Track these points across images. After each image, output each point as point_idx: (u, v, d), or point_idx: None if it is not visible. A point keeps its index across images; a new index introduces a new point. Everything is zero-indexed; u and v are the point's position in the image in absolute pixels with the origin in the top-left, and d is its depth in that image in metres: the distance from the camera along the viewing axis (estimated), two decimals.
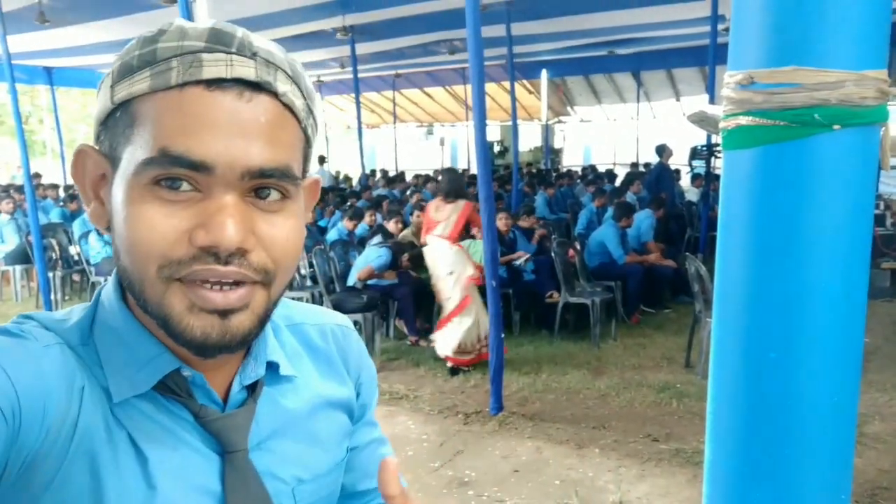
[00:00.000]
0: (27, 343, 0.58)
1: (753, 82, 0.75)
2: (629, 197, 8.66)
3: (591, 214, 8.39)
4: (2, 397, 0.52)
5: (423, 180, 13.49)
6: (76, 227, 7.87)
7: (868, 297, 0.78)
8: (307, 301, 5.75)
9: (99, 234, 7.24)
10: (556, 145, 19.68)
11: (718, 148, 6.48)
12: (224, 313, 0.57)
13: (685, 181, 12.36)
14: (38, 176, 12.83)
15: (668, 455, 3.73)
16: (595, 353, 5.56)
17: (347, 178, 16.65)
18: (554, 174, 14.10)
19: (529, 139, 20.00)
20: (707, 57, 8.43)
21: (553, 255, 5.95)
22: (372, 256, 5.87)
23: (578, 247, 6.49)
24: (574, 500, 3.30)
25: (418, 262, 6.17)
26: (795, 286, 0.76)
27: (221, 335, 0.58)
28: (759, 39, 0.75)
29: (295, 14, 9.04)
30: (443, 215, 5.18)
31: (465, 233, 5.26)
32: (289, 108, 0.59)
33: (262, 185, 0.58)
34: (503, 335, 4.38)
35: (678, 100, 17.41)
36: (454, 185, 5.31)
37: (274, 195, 0.59)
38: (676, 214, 9.33)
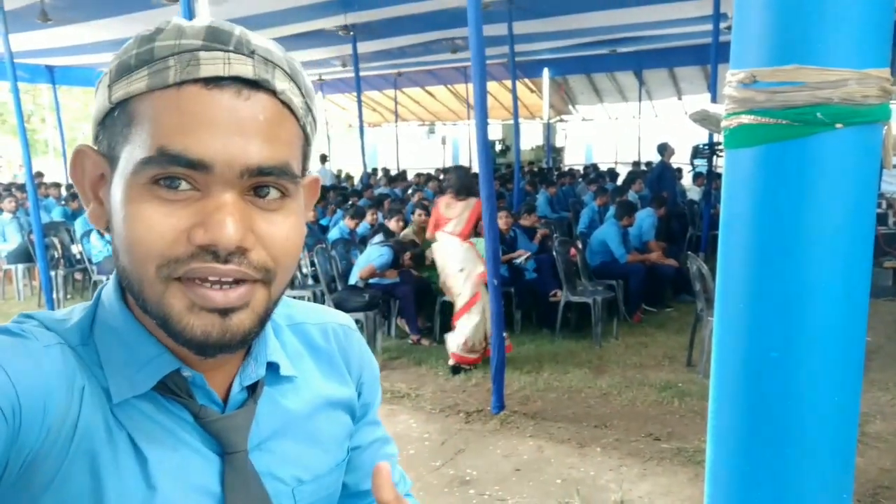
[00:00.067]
0: (28, 343, 0.58)
1: (756, 81, 0.74)
2: (631, 196, 8.66)
3: (592, 213, 8.39)
4: (2, 397, 0.52)
5: (424, 179, 13.50)
6: (78, 226, 7.89)
7: (870, 295, 0.78)
8: (309, 300, 5.75)
9: (100, 233, 7.25)
10: (558, 144, 19.66)
11: (720, 146, 6.48)
12: (224, 312, 0.57)
13: (687, 180, 12.36)
14: (40, 175, 12.86)
15: (670, 454, 3.73)
16: (597, 352, 5.57)
17: (349, 177, 16.64)
18: (555, 173, 14.10)
19: (531, 138, 20.01)
20: (709, 55, 8.44)
21: (555, 253, 5.95)
22: (374, 255, 5.88)
23: (580, 245, 6.49)
24: (575, 499, 3.30)
25: (420, 260, 6.17)
26: (797, 285, 0.76)
27: (222, 334, 0.57)
28: (762, 38, 0.74)
29: (297, 13, 9.05)
30: (454, 212, 5.22)
31: (475, 230, 5.28)
32: (287, 105, 0.59)
33: (261, 183, 0.58)
34: (505, 334, 4.39)
35: (680, 98, 17.42)
36: (465, 182, 5.34)
37: (273, 193, 0.59)
38: (678, 213, 9.33)
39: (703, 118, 0.88)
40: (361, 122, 11.87)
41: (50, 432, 0.55)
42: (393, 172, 16.49)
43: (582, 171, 15.14)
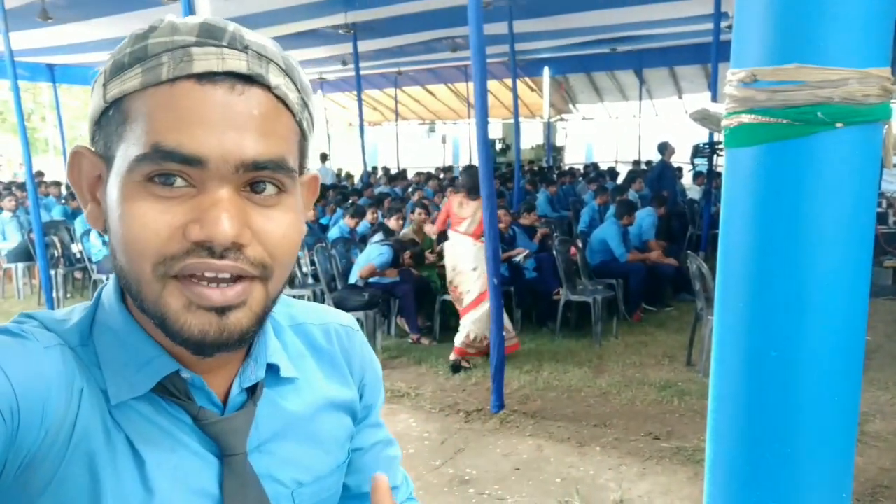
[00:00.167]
0: (28, 343, 0.57)
1: (756, 80, 0.74)
2: (631, 195, 8.65)
3: (593, 212, 8.39)
4: (1, 398, 0.52)
5: (424, 178, 13.50)
6: (78, 225, 7.89)
7: (870, 295, 0.78)
8: (309, 299, 5.75)
9: (99, 232, 7.24)
10: (558, 143, 19.67)
11: (720, 146, 6.47)
12: (222, 310, 0.57)
13: (687, 179, 12.36)
14: (40, 174, 12.86)
15: (670, 453, 3.73)
16: (596, 351, 5.57)
17: (349, 176, 16.65)
18: (556, 172, 14.10)
19: (531, 137, 20.02)
20: (710, 54, 8.43)
21: (555, 252, 5.95)
22: (374, 254, 5.88)
23: (580, 244, 6.49)
24: (575, 498, 3.30)
25: (420, 259, 6.17)
26: (797, 284, 0.76)
27: (219, 333, 0.57)
28: (762, 37, 0.74)
29: (297, 11, 9.05)
30: (467, 212, 5.25)
31: None
32: (282, 101, 0.59)
33: (257, 178, 0.57)
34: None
35: (681, 97, 17.42)
36: (478, 182, 5.36)
37: (270, 189, 0.58)
38: (678, 212, 9.33)
39: (703, 117, 0.88)
40: (362, 120, 11.88)
41: (48, 434, 0.55)
42: (393, 171, 16.49)
43: (582, 170, 15.14)
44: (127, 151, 0.56)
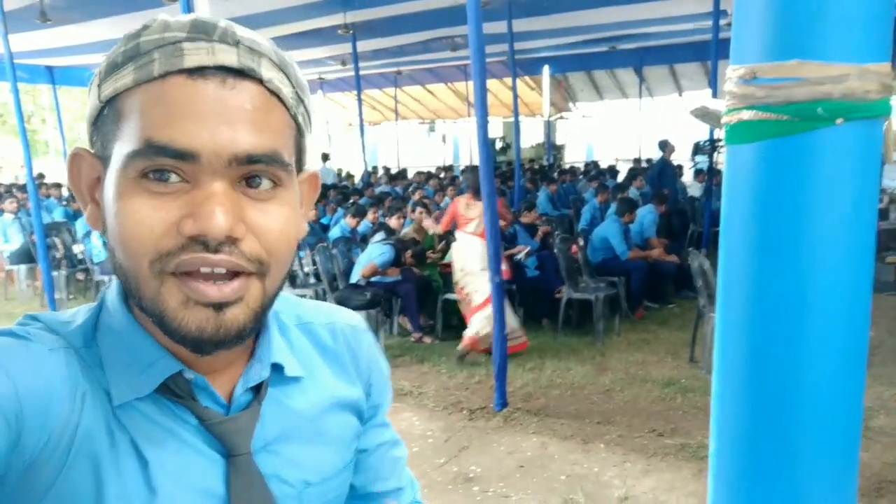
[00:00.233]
0: (32, 346, 0.57)
1: (756, 77, 0.74)
2: (632, 192, 8.64)
3: (593, 210, 8.39)
4: (4, 400, 0.52)
5: (425, 177, 13.50)
6: (79, 226, 7.91)
7: (872, 291, 0.78)
8: (310, 298, 5.75)
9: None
10: (559, 141, 19.67)
11: (721, 143, 6.47)
12: (218, 306, 0.56)
13: (688, 176, 12.35)
14: (41, 176, 12.88)
15: (673, 450, 3.73)
16: (599, 349, 5.56)
17: (350, 176, 16.64)
18: (556, 170, 14.09)
19: (531, 135, 20.01)
20: (709, 52, 8.42)
21: (556, 251, 5.95)
22: (375, 253, 5.88)
23: (581, 242, 6.49)
24: (579, 496, 3.30)
25: (421, 258, 6.18)
26: (799, 281, 0.76)
27: (216, 329, 0.56)
28: (762, 34, 0.74)
29: (296, 12, 9.04)
30: (474, 213, 5.28)
31: None
32: (276, 94, 0.58)
33: (251, 172, 0.57)
34: (506, 331, 4.39)
35: (680, 95, 17.40)
36: None
37: (265, 183, 0.58)
38: (679, 210, 9.32)
39: (703, 114, 0.88)
40: (361, 120, 11.88)
41: (52, 436, 0.55)
42: (393, 171, 16.50)
43: (583, 169, 15.14)
44: (121, 149, 0.56)
